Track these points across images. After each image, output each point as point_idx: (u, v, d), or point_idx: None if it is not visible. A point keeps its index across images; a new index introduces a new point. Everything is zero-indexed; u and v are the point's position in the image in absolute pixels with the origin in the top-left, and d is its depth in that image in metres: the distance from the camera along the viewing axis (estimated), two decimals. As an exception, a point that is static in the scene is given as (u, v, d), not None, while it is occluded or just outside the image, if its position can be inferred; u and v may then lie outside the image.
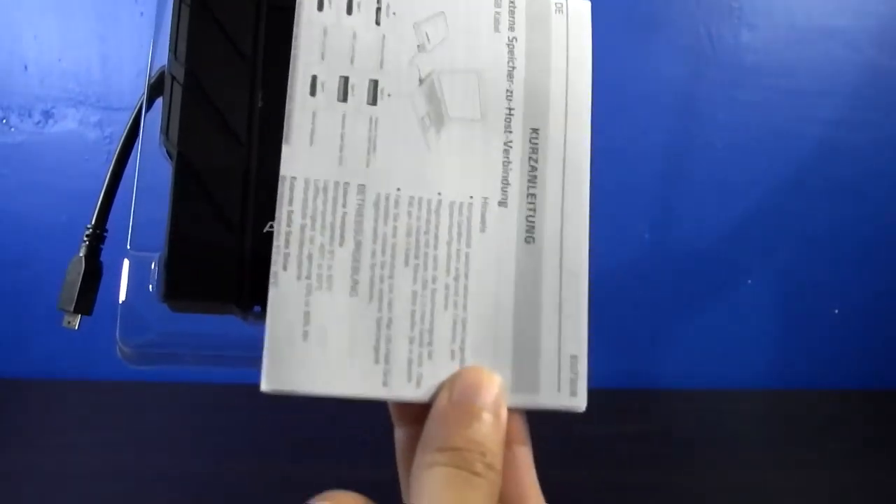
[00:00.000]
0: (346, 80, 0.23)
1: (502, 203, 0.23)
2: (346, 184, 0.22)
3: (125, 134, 0.29)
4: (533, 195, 0.23)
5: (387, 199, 0.22)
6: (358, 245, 0.22)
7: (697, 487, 0.51)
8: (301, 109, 0.22)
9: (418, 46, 0.23)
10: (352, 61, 0.23)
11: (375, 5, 0.23)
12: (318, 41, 0.23)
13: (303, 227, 0.22)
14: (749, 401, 0.65)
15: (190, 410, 0.58)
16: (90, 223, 0.29)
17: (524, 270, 0.23)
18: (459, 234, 0.23)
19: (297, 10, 0.23)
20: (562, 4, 0.25)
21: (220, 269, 0.25)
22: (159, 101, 0.27)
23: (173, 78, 0.26)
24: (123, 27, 0.62)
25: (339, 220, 0.22)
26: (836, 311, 0.68)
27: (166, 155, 0.27)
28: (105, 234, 0.30)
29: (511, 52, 0.24)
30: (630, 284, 0.67)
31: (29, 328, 0.65)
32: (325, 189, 0.22)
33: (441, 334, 0.22)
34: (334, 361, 0.21)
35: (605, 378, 0.69)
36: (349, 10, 0.23)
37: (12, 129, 0.64)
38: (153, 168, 0.27)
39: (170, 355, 0.27)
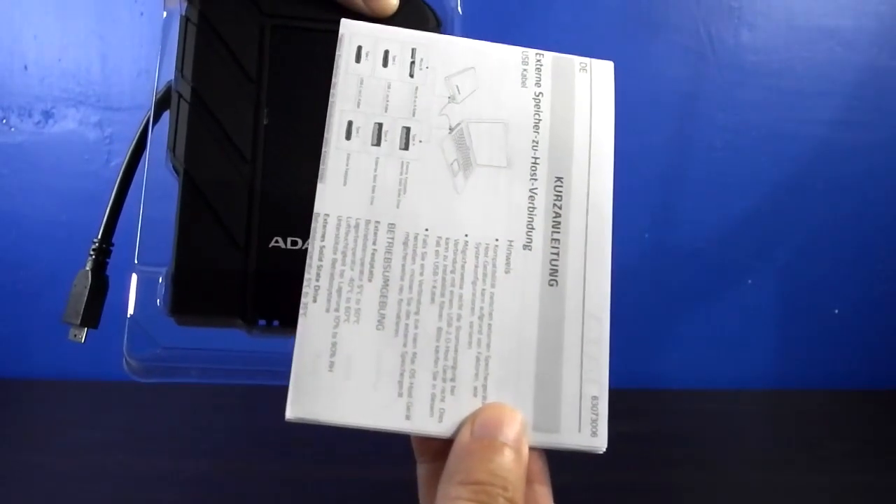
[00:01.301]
0: (380, 126, 0.24)
1: (527, 246, 0.24)
2: (377, 222, 0.23)
3: (131, 149, 0.29)
4: (557, 240, 0.24)
5: (415, 238, 0.23)
6: (386, 281, 0.23)
7: (697, 487, 0.51)
8: (336, 151, 0.24)
9: (449, 97, 0.25)
10: (386, 109, 0.24)
11: (410, 59, 0.25)
12: (355, 90, 0.24)
13: (333, 262, 0.23)
14: (749, 401, 0.65)
15: (190, 410, 0.58)
16: (96, 237, 0.30)
17: (547, 312, 0.24)
18: (485, 275, 0.23)
19: (336, 61, 0.24)
20: (586, 64, 0.26)
21: (226, 285, 0.26)
22: (165, 116, 0.28)
23: (180, 96, 0.27)
24: (123, 27, 0.62)
25: (369, 257, 0.23)
26: (836, 311, 0.68)
27: (173, 171, 0.27)
28: (111, 248, 0.30)
29: (537, 105, 0.25)
30: (630, 284, 0.67)
31: (29, 328, 0.65)
32: (357, 227, 0.23)
33: (464, 371, 0.23)
34: (358, 393, 0.22)
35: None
36: (385, 63, 0.25)
37: (12, 129, 0.64)
38: (159, 183, 0.27)
39: (175, 369, 0.27)
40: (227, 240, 0.26)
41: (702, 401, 0.64)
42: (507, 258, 0.24)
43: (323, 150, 0.24)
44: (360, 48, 0.25)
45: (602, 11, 0.64)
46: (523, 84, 0.25)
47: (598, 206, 0.25)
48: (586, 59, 0.26)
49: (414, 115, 0.24)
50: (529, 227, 0.24)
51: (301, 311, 0.22)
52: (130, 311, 0.26)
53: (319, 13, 0.28)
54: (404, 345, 0.23)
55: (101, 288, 0.30)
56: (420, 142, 0.24)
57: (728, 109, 0.65)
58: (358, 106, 0.24)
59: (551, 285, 0.24)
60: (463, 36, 0.30)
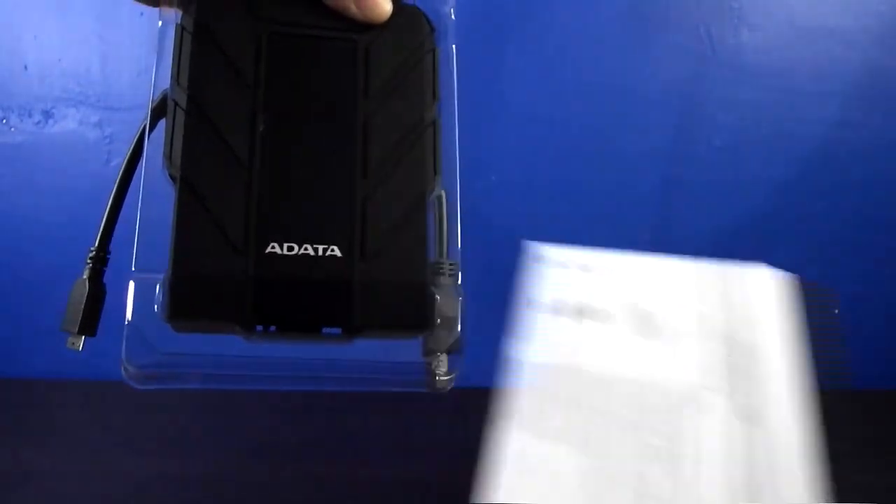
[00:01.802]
0: (560, 306, 0.29)
1: (723, 391, 0.26)
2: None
3: (128, 157, 0.29)
4: (750, 384, 0.27)
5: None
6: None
7: (697, 487, 0.51)
8: (524, 319, 0.28)
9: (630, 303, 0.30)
10: (567, 296, 0.29)
11: (587, 267, 0.30)
12: (542, 286, 0.29)
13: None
14: (749, 401, 0.65)
15: (190, 411, 0.58)
16: (93, 245, 0.30)
17: (747, 451, 0.25)
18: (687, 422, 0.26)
19: (525, 270, 0.30)
20: (763, 274, 0.30)
21: (223, 290, 0.26)
22: (161, 124, 0.28)
23: (175, 104, 0.27)
24: (123, 27, 0.62)
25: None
26: (836, 312, 0.68)
27: (169, 178, 0.27)
28: (108, 255, 0.30)
29: (714, 305, 0.28)
30: (630, 284, 0.67)
31: (28, 328, 0.65)
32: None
33: None
34: None
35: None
36: (564, 269, 0.30)
37: (12, 129, 0.64)
38: (156, 191, 0.27)
39: (174, 375, 0.27)
40: (224, 245, 0.26)
41: (702, 401, 0.64)
42: (705, 404, 0.26)
43: (515, 317, 0.27)
44: (544, 257, 0.28)
45: (602, 11, 0.64)
46: (701, 298, 0.28)
47: (788, 359, 0.27)
48: (765, 270, 0.28)
49: (593, 301, 0.28)
50: (723, 375, 0.26)
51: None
52: (128, 317, 0.26)
53: (315, 20, 0.28)
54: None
55: (99, 296, 0.30)
56: (604, 320, 0.27)
57: (728, 109, 0.65)
58: (544, 296, 0.27)
59: (751, 423, 0.26)
60: (455, 39, 0.31)
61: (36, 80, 0.63)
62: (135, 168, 0.29)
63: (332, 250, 0.26)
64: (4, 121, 0.64)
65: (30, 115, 0.64)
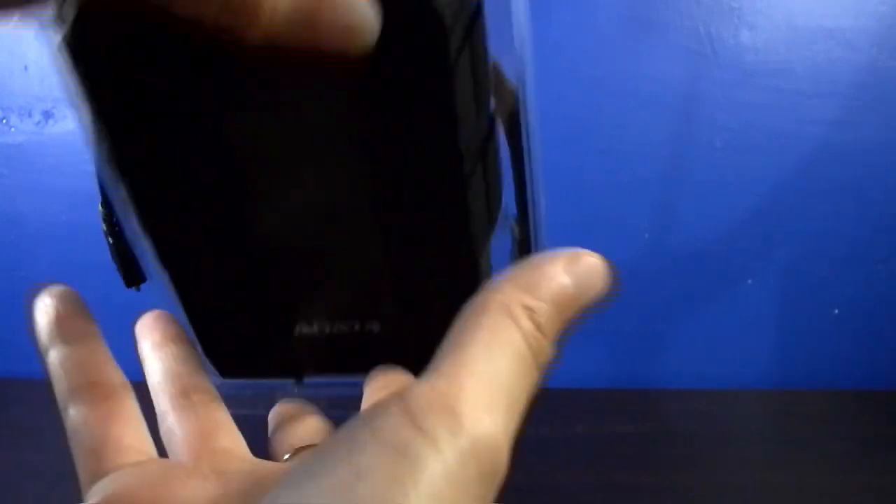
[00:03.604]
0: None
1: None
2: None
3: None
4: None
5: None
6: None
7: (697, 487, 0.51)
8: None
9: None
10: None
11: None
12: None
13: None
14: (749, 401, 0.65)
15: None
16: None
17: None
18: None
19: None
20: None
21: (266, 359, 0.26)
22: None
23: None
24: (123, 27, 0.62)
25: None
26: (836, 312, 0.68)
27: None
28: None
29: None
30: (630, 284, 0.67)
31: (28, 328, 0.65)
32: None
33: None
34: None
35: (605, 378, 0.69)
36: None
37: (12, 129, 0.64)
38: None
39: None
40: (251, 341, 0.26)
41: (702, 401, 0.64)
42: None
43: None
44: None
45: (602, 11, 0.64)
46: None
47: None
48: None
49: None
50: None
51: None
52: None
53: None
54: None
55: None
56: None
57: (728, 109, 0.65)
58: None
59: None
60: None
61: (36, 80, 0.63)
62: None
63: (370, 325, 0.23)
64: (4, 121, 0.64)
65: (30, 115, 0.64)
